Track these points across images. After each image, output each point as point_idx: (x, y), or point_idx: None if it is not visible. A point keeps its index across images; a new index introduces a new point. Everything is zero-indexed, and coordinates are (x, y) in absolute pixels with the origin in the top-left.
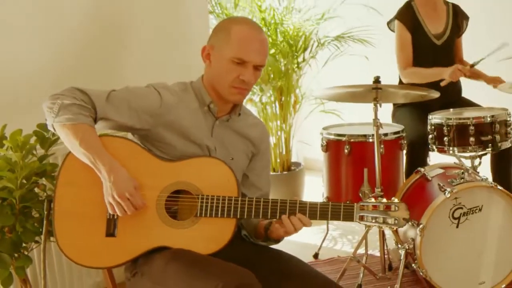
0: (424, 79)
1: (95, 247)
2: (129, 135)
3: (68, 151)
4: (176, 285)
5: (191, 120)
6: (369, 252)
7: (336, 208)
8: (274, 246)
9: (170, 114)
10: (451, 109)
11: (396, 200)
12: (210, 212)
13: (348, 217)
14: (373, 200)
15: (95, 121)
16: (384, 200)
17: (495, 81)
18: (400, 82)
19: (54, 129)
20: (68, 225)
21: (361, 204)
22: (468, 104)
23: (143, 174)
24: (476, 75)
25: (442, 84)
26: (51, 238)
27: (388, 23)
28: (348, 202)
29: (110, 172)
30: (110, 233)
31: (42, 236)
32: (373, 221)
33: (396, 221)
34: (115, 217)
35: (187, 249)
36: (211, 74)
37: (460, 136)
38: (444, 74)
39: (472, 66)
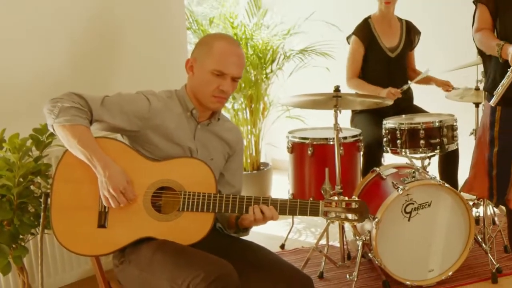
0: (364, 91)
1: (88, 237)
2: (119, 137)
3: (65, 150)
4: (162, 273)
5: (175, 124)
6: (330, 243)
7: (304, 204)
8: (244, 238)
9: (157, 118)
10: (403, 115)
11: (356, 198)
12: (191, 207)
13: (314, 212)
14: (336, 198)
15: (91, 122)
16: (346, 198)
17: (444, 84)
18: None
19: (53, 129)
20: (63, 216)
21: (326, 201)
22: (419, 110)
23: (131, 172)
24: (428, 79)
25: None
26: (45, 231)
27: (348, 38)
28: (311, 198)
29: (105, 168)
30: (101, 224)
31: (40, 227)
32: (336, 216)
33: (356, 217)
34: (106, 210)
35: (171, 240)
36: (194, 84)
37: (412, 139)
38: (381, 94)
39: (402, 90)
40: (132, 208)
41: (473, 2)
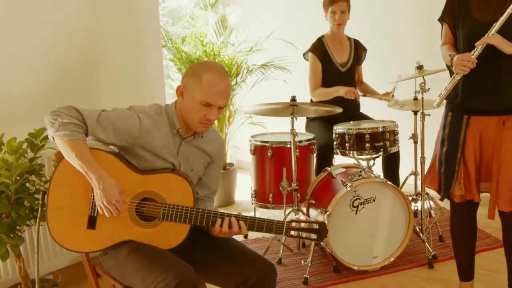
0: (326, 96)
1: (78, 236)
2: (111, 146)
3: (61, 157)
4: (136, 273)
5: (162, 142)
6: None
7: (270, 224)
8: None
9: (146, 137)
10: (351, 121)
11: (318, 220)
12: (170, 217)
13: (279, 231)
14: (298, 217)
15: (86, 135)
16: (308, 219)
17: (386, 96)
18: (311, 100)
19: (53, 139)
20: (58, 216)
21: (289, 221)
22: (365, 117)
23: (120, 182)
24: (372, 93)
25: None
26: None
27: (304, 54)
28: (271, 194)
29: (99, 181)
30: (91, 226)
31: (37, 221)
32: (299, 235)
33: (315, 236)
34: (95, 214)
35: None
36: (183, 108)
37: (358, 143)
38: (341, 90)
39: (363, 96)
40: (119, 214)
41: (438, 20)
